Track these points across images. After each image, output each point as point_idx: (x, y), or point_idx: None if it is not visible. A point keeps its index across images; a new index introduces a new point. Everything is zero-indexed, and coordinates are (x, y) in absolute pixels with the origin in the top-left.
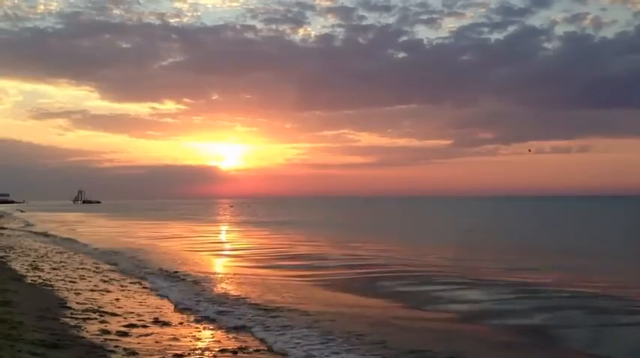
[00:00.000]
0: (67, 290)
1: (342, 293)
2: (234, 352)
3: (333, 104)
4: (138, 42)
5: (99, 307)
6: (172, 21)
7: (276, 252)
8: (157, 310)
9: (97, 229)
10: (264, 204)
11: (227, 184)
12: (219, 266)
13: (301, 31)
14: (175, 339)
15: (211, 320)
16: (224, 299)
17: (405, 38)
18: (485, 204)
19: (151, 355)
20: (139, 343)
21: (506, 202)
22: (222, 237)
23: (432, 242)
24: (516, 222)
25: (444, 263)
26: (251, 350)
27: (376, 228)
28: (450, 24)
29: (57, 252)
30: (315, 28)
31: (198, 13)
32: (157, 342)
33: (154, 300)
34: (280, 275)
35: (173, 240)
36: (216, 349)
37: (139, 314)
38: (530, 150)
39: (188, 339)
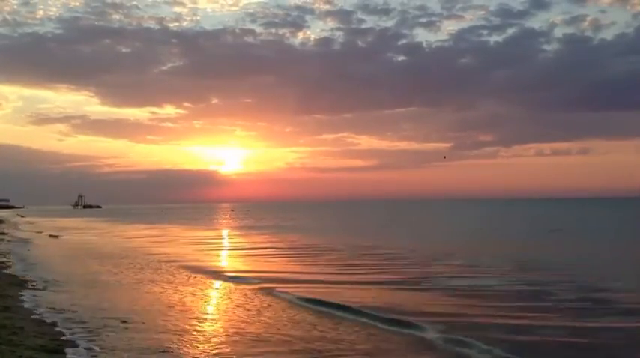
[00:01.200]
0: None
1: None
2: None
3: (332, 107)
4: (137, 47)
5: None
6: (172, 25)
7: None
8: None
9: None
10: (264, 208)
11: (227, 188)
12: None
13: (300, 35)
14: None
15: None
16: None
17: (404, 41)
18: (484, 206)
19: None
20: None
21: (506, 204)
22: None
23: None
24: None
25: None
26: None
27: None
28: (450, 27)
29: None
30: (314, 31)
31: (198, 18)
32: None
33: None
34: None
35: (166, 247)
36: None
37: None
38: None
39: None
